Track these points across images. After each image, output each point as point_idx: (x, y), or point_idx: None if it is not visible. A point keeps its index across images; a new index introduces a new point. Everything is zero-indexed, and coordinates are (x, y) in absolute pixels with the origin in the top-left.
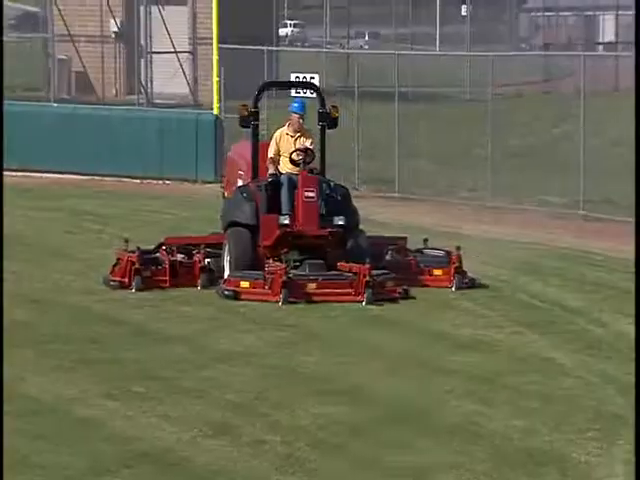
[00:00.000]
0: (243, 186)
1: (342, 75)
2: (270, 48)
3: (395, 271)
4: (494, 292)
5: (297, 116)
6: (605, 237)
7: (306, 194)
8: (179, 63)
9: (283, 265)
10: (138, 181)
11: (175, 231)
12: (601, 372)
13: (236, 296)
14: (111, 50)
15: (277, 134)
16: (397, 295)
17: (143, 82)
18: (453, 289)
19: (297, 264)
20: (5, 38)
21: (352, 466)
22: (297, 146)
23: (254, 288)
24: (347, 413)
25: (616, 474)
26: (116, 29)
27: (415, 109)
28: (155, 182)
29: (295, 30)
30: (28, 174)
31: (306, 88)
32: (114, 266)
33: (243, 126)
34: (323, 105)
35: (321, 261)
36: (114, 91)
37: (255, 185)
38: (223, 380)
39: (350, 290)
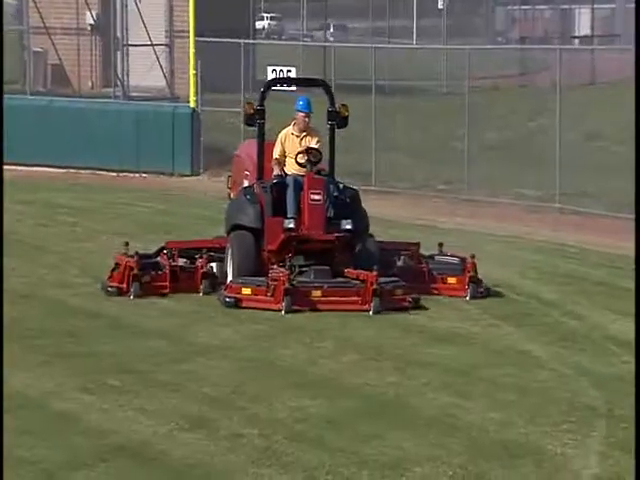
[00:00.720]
0: (248, 187)
1: (319, 68)
2: (247, 41)
3: (406, 278)
4: None
5: (303, 115)
6: (581, 230)
7: (312, 197)
8: (156, 56)
9: (287, 271)
10: (114, 174)
11: (150, 225)
12: (575, 364)
13: (237, 303)
14: (87, 43)
15: (282, 134)
16: (407, 304)
17: (119, 75)
18: (467, 298)
19: (304, 270)
20: None
21: (329, 459)
22: (302, 147)
23: (256, 295)
24: (324, 406)
25: (591, 465)
26: (92, 21)
27: (392, 102)
28: (131, 175)
29: (272, 23)
30: (5, 167)
31: (314, 85)
32: (112, 271)
33: (249, 125)
34: (332, 103)
35: (327, 267)
36: (90, 84)
37: (260, 186)
38: (200, 373)
39: (357, 298)
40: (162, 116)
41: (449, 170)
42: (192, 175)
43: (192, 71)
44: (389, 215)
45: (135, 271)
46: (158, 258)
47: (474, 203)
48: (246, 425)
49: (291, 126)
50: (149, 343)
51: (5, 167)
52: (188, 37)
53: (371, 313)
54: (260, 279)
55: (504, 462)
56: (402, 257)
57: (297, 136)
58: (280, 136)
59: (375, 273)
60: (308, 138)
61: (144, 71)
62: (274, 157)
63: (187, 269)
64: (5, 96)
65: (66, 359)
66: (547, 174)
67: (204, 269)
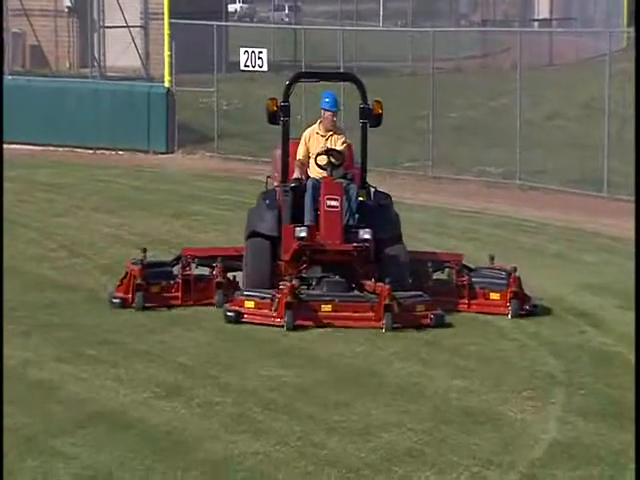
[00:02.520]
0: (269, 191)
1: (289, 50)
2: (220, 23)
3: (443, 293)
4: None
5: (330, 114)
6: (539, 206)
7: (328, 203)
8: (131, 37)
9: (292, 283)
10: (91, 152)
11: (126, 200)
12: (535, 334)
13: (238, 318)
14: (64, 24)
15: (306, 133)
16: (428, 321)
17: (96, 56)
18: (509, 317)
19: (318, 282)
20: None
21: (299, 425)
22: (329, 147)
23: (259, 309)
24: (295, 375)
25: (549, 430)
26: (69, 4)
27: None
28: (108, 152)
29: (244, 6)
30: None
31: (345, 80)
32: (122, 279)
33: (272, 123)
34: (364, 99)
35: (342, 279)
36: (68, 64)
37: (282, 191)
38: (175, 344)
39: (371, 314)
40: (138, 95)
41: (415, 148)
42: (167, 153)
43: (167, 52)
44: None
45: (139, 280)
46: (175, 266)
47: (439, 180)
48: (220, 393)
49: (316, 125)
50: (125, 315)
51: None
52: (163, 19)
53: (383, 331)
54: (267, 292)
55: (466, 427)
56: (445, 269)
57: (322, 136)
58: (304, 135)
59: (388, 287)
60: (334, 138)
61: (120, 52)
62: (297, 158)
63: (202, 279)
64: None
65: (44, 330)
66: (508, 152)
67: (218, 278)
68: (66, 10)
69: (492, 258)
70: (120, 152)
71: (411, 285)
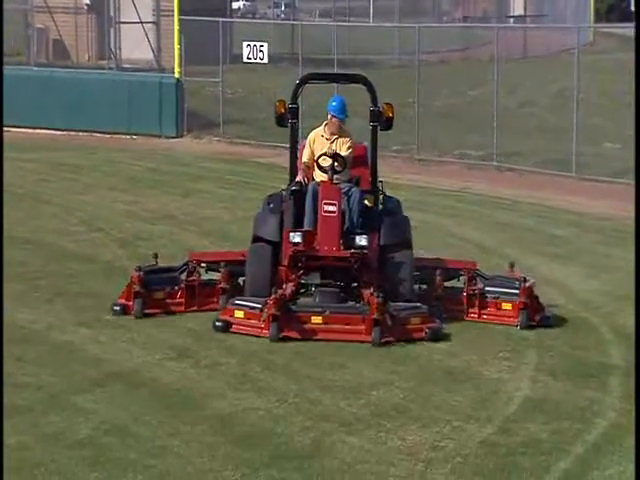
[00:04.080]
0: (274, 195)
1: (288, 44)
2: (225, 20)
3: (453, 302)
4: (421, 233)
5: (336, 120)
6: (514, 185)
7: (326, 207)
8: (144, 32)
9: (280, 293)
10: (108, 136)
11: (140, 180)
12: None
13: (226, 328)
14: (84, 20)
15: (311, 136)
16: (423, 335)
17: (112, 49)
18: (518, 328)
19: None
20: None
21: (297, 384)
22: (331, 150)
23: (248, 319)
24: (292, 340)
25: (522, 388)
26: (88, 1)
27: None
28: (124, 137)
29: (247, 4)
30: (10, 129)
31: (354, 82)
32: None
33: (280, 125)
34: (375, 102)
35: (335, 289)
36: (87, 57)
37: (287, 194)
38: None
39: (362, 327)
40: (150, 85)
41: (402, 133)
42: (177, 137)
43: (177, 46)
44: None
45: (137, 288)
46: (183, 272)
47: (423, 162)
48: (225, 355)
49: (322, 127)
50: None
51: (12, 130)
52: (173, 16)
53: (372, 345)
54: (259, 301)
55: (448, 386)
56: (459, 277)
57: (327, 139)
58: (309, 138)
59: (377, 300)
60: (340, 141)
61: (134, 46)
62: (302, 161)
63: (207, 284)
64: (12, 67)
65: (66, 297)
66: (486, 136)
67: (222, 284)
68: (85, 7)
69: (512, 265)
70: (134, 136)
71: (419, 293)
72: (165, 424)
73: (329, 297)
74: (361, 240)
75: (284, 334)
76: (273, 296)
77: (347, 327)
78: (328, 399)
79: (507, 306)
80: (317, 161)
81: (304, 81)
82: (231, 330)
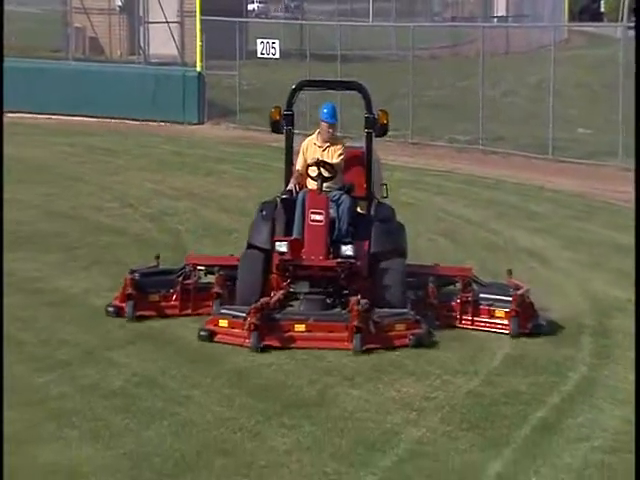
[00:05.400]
0: (268, 202)
1: (296, 41)
2: (241, 20)
3: (447, 309)
4: (415, 209)
5: (327, 125)
6: (498, 166)
7: (312, 217)
8: (170, 31)
9: (261, 302)
10: (138, 123)
11: (166, 162)
12: (495, 270)
13: (210, 338)
14: (116, 20)
15: (304, 144)
16: (407, 342)
17: (141, 45)
18: (510, 336)
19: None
20: (34, 10)
21: None
22: (320, 158)
23: (232, 328)
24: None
25: (503, 347)
26: (120, 3)
27: (353, 68)
28: (151, 123)
29: (260, 5)
30: (51, 117)
31: (349, 89)
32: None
33: (275, 132)
34: (369, 109)
35: (321, 297)
36: (119, 52)
37: (280, 202)
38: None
39: (345, 334)
40: (175, 78)
41: (397, 120)
42: (198, 124)
43: (198, 43)
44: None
45: (129, 290)
46: (180, 275)
47: (417, 146)
48: None
49: (314, 135)
50: (165, 254)
51: (52, 117)
52: (195, 16)
53: (352, 352)
54: (243, 309)
55: (439, 345)
56: (455, 284)
57: (319, 147)
58: (302, 146)
59: (358, 307)
60: (332, 149)
61: (161, 43)
62: (296, 169)
63: (202, 288)
64: (53, 62)
65: (101, 266)
66: (473, 123)
67: (216, 288)
68: (118, 9)
69: (510, 272)
70: (161, 123)
71: (414, 300)
72: (188, 377)
73: (314, 305)
74: (347, 250)
75: (265, 343)
76: (253, 305)
77: (330, 335)
78: (332, 356)
79: (500, 313)
80: (307, 171)
81: (298, 88)
82: (215, 340)
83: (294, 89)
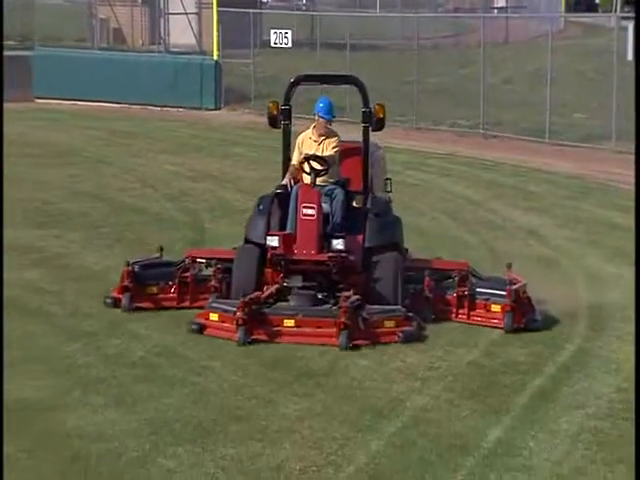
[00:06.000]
0: (265, 196)
1: (308, 31)
2: (255, 11)
3: (443, 303)
4: (419, 189)
5: (323, 121)
6: (498, 150)
7: (304, 211)
8: (188, 21)
9: (249, 296)
10: (158, 108)
11: (185, 145)
12: (493, 247)
13: (200, 331)
14: (138, 11)
15: (300, 138)
16: (396, 339)
17: (162, 35)
18: (504, 331)
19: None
20: (60, 1)
21: None
22: (310, 153)
23: (223, 322)
24: None
25: None
26: None
27: (361, 56)
28: (171, 109)
29: None
30: (79, 103)
31: (346, 83)
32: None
33: (272, 126)
34: (366, 103)
35: (311, 292)
36: (141, 42)
37: (276, 197)
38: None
39: (334, 330)
40: (193, 66)
41: (403, 106)
42: (215, 109)
43: (215, 32)
44: (357, 138)
45: (125, 282)
46: (179, 268)
47: (421, 130)
48: None
49: (310, 129)
50: (184, 232)
51: (78, 103)
52: (212, 8)
53: (339, 349)
54: (234, 303)
55: (442, 318)
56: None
57: (315, 141)
58: (298, 140)
59: (345, 303)
60: (326, 142)
61: (180, 33)
62: (292, 164)
63: (202, 281)
64: (78, 51)
65: (123, 243)
66: (474, 109)
67: (213, 281)
68: (140, 0)
69: (509, 266)
70: (180, 109)
71: (412, 294)
72: (206, 348)
73: (305, 300)
74: (338, 244)
75: (254, 337)
76: (241, 300)
77: (318, 330)
78: None
79: (496, 308)
80: (301, 166)
81: (296, 83)
82: (205, 333)
83: (292, 84)
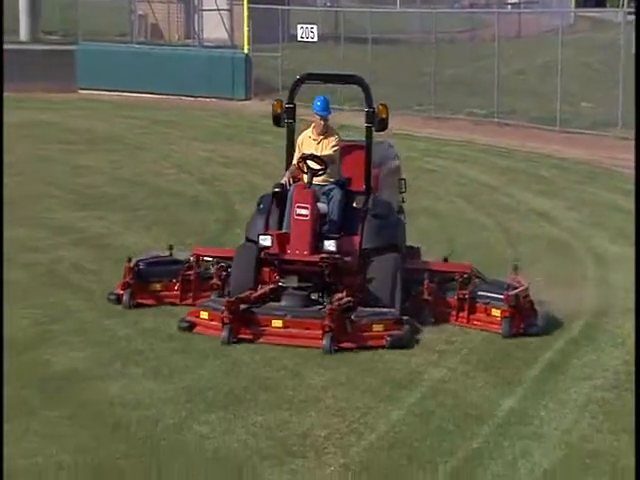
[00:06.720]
0: (266, 195)
1: (332, 26)
2: (283, 7)
3: (444, 305)
4: (439, 176)
5: (319, 119)
6: (511, 137)
7: (298, 211)
8: (221, 17)
9: (237, 295)
10: (192, 99)
11: (218, 133)
12: (508, 228)
13: (190, 329)
14: (174, 8)
15: (300, 138)
16: (383, 343)
17: (196, 30)
18: (502, 336)
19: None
20: None
21: None
22: (306, 153)
23: (211, 320)
24: None
25: None
26: None
27: (382, 49)
28: (204, 99)
29: None
30: (119, 94)
31: (350, 83)
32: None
33: (276, 125)
34: (369, 103)
35: (302, 293)
36: (177, 36)
37: (276, 196)
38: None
39: (320, 332)
40: (225, 59)
41: (421, 96)
42: (246, 99)
43: (246, 28)
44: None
45: (127, 279)
46: (186, 264)
47: (439, 119)
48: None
49: (310, 128)
50: (217, 213)
51: (118, 94)
52: (243, 4)
53: (323, 351)
54: (223, 301)
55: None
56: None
57: (314, 140)
58: (298, 140)
59: (330, 306)
60: (325, 142)
61: (213, 28)
62: (292, 163)
63: (206, 279)
64: (118, 45)
65: (160, 225)
66: (489, 98)
67: (214, 279)
68: None
69: (515, 268)
70: (213, 99)
71: (407, 297)
72: None
73: (297, 300)
74: (330, 245)
75: (240, 336)
76: (227, 299)
77: (306, 332)
78: None
79: (496, 312)
80: (299, 165)
81: (300, 81)
82: (194, 331)
83: (296, 82)
